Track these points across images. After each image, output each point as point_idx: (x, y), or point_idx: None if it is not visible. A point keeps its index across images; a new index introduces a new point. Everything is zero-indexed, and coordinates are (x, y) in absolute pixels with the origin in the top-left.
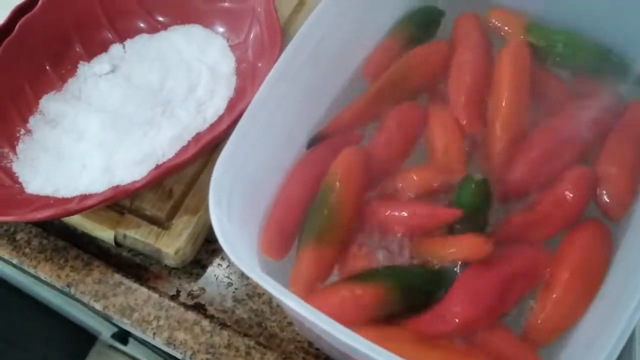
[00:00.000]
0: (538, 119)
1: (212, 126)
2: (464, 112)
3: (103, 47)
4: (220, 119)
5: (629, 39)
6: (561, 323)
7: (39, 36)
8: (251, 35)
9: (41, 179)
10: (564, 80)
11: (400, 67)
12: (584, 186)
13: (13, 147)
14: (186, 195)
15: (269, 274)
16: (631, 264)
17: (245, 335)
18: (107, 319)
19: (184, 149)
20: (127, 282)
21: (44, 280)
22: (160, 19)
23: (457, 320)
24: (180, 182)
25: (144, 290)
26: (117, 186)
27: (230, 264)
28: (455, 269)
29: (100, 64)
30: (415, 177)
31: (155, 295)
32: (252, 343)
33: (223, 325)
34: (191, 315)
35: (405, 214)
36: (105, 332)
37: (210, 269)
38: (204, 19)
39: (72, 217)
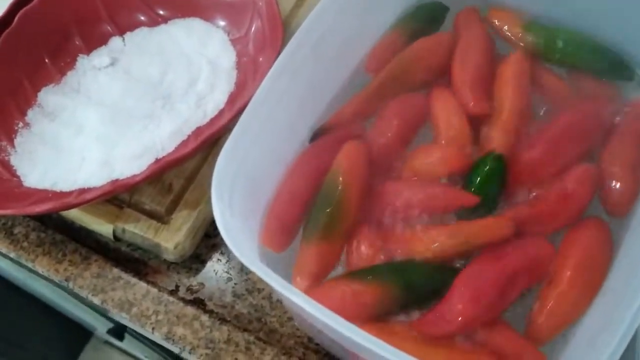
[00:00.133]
0: (540, 117)
1: (213, 120)
2: (470, 93)
3: (102, 40)
4: (221, 113)
5: (629, 38)
6: (564, 320)
7: (38, 29)
8: (252, 29)
9: (39, 172)
10: (565, 78)
11: (402, 60)
12: (588, 183)
13: (11, 140)
14: (186, 190)
15: (269, 267)
16: (634, 261)
17: (245, 330)
18: (104, 314)
19: (183, 143)
20: (126, 277)
21: (41, 275)
22: (161, 12)
23: (458, 320)
24: (179, 176)
25: (143, 284)
26: (116, 180)
27: (230, 259)
28: (457, 265)
29: (99, 57)
30: (426, 160)
31: (154, 290)
32: (251, 338)
33: (222, 320)
34: (190, 310)
35: (424, 195)
36: (100, 327)
37: (209, 264)
38: (204, 12)
39: (70, 210)
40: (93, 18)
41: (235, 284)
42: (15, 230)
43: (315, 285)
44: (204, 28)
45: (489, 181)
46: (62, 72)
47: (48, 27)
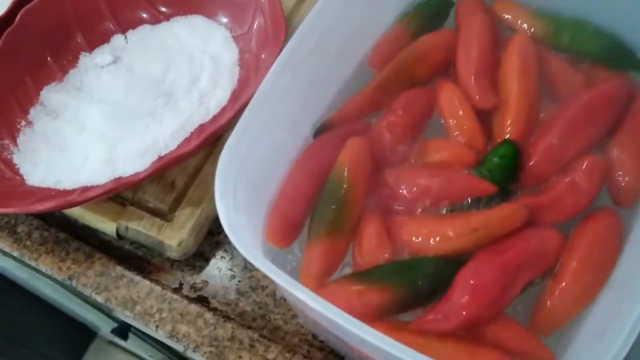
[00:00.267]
0: (549, 105)
1: (215, 117)
2: (476, 86)
3: (105, 38)
4: (223, 110)
5: (637, 27)
6: (568, 313)
7: (40, 27)
8: (255, 26)
9: (42, 170)
10: (574, 66)
11: (406, 55)
12: (596, 174)
13: (14, 139)
14: (189, 187)
15: (275, 263)
16: None
17: (249, 327)
18: (108, 313)
19: (186, 140)
20: (129, 275)
21: (44, 273)
22: (163, 9)
23: (461, 317)
24: (182, 173)
25: (146, 282)
26: (119, 178)
27: (234, 256)
28: (464, 258)
29: (101, 55)
30: (437, 155)
31: (157, 288)
32: (255, 336)
33: (226, 317)
34: (194, 308)
35: (443, 181)
36: (104, 327)
37: (213, 262)
38: (206, 9)
39: (73, 209)
40: (95, 16)
41: (239, 281)
42: (19, 229)
43: (322, 283)
44: (206, 25)
45: (503, 169)
46: (65, 70)
47: (50, 25)
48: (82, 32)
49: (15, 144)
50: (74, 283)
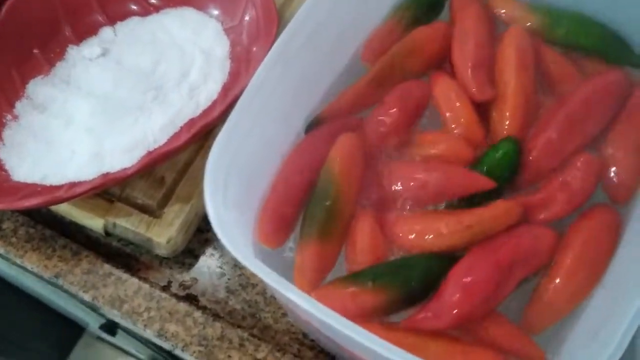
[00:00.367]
0: (545, 98)
1: (205, 112)
2: (473, 79)
3: (93, 30)
4: (214, 104)
5: (632, 20)
6: (561, 309)
7: (27, 19)
8: (246, 18)
9: (28, 165)
10: (569, 59)
11: (399, 48)
12: (591, 172)
13: None
14: (178, 183)
15: (266, 262)
16: (637, 250)
17: (239, 326)
18: (96, 309)
19: (176, 135)
20: (117, 273)
21: (31, 271)
22: (153, 1)
23: (451, 316)
24: (172, 169)
25: (135, 280)
26: (107, 173)
27: (223, 254)
28: (459, 254)
29: (90, 48)
30: (432, 149)
31: (146, 286)
32: (245, 335)
33: (216, 316)
34: (183, 307)
35: (442, 176)
36: (93, 323)
37: (202, 259)
38: (197, 1)
39: (60, 205)
40: (83, 8)
41: (228, 279)
42: (4, 226)
43: (316, 284)
44: (196, 17)
45: (503, 166)
46: (52, 63)
47: (37, 18)
48: (70, 24)
49: (1, 139)
50: (60, 281)
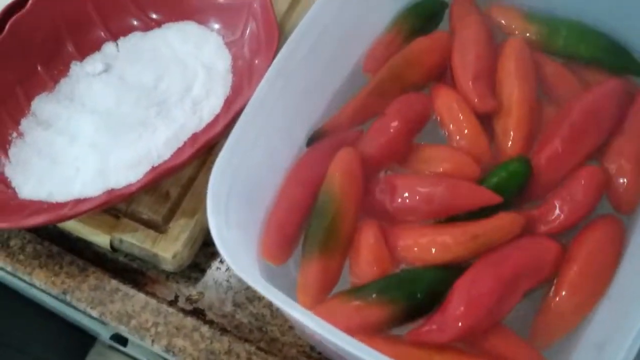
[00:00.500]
0: (546, 109)
1: (209, 126)
2: (474, 90)
3: (96, 46)
4: (217, 118)
5: (632, 28)
6: (567, 324)
7: (30, 36)
8: (247, 32)
9: (34, 183)
10: (570, 70)
11: (399, 59)
12: (594, 184)
13: (5, 151)
14: (183, 198)
15: (270, 277)
16: None
17: (246, 340)
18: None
19: (180, 150)
20: (124, 288)
21: (39, 288)
22: (154, 16)
23: (456, 329)
24: (176, 184)
25: (142, 296)
26: (112, 190)
27: (230, 267)
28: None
29: (93, 64)
30: (436, 166)
31: (153, 301)
32: (252, 349)
33: (223, 330)
34: (190, 321)
35: (448, 190)
36: (104, 333)
37: (209, 273)
38: (198, 15)
39: (66, 222)
40: (85, 24)
41: (235, 292)
42: (11, 243)
43: (320, 300)
44: (198, 31)
45: (511, 186)
46: (55, 80)
47: (40, 35)
48: (72, 41)
49: (7, 156)
50: (68, 297)
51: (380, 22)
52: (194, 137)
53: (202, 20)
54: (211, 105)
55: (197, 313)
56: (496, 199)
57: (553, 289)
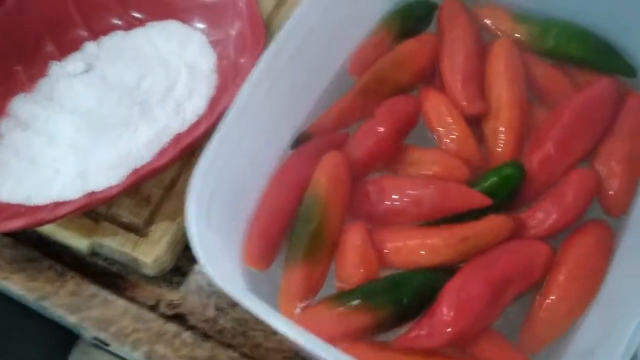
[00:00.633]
0: (537, 110)
1: (192, 127)
2: (463, 92)
3: (76, 46)
4: (200, 119)
5: (627, 36)
6: (556, 329)
7: (8, 35)
8: (232, 31)
9: (11, 185)
10: (560, 70)
11: (387, 62)
12: (584, 188)
13: None
14: (164, 200)
15: (254, 282)
16: (632, 264)
17: (229, 346)
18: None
19: (162, 151)
20: (103, 294)
21: (15, 293)
22: (136, 15)
23: (445, 335)
24: (158, 186)
25: (121, 301)
26: (92, 193)
27: None
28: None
29: (73, 63)
30: (425, 169)
31: (133, 307)
32: (235, 354)
33: (205, 336)
34: (171, 327)
35: (438, 192)
36: (86, 333)
37: (191, 276)
38: (182, 14)
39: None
40: (65, 23)
41: (218, 297)
42: None
43: (303, 309)
44: (181, 30)
45: (502, 190)
46: (34, 80)
47: (18, 34)
48: (52, 40)
49: None
50: (45, 304)
51: (367, 23)
52: (177, 137)
53: (186, 19)
54: (194, 105)
55: (179, 318)
56: (486, 201)
57: (542, 292)
